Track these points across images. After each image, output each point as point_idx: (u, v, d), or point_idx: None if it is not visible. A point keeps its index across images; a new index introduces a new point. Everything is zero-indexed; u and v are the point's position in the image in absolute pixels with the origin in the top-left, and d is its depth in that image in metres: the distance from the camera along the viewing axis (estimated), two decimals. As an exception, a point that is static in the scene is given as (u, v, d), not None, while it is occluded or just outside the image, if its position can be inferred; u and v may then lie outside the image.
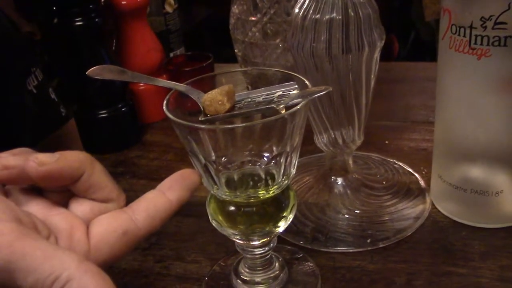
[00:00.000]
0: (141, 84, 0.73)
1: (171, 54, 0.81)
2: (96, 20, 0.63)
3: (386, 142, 0.64)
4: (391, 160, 0.59)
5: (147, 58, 0.72)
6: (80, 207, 0.34)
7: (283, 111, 0.35)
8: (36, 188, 0.34)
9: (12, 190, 0.34)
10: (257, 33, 0.68)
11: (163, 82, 0.39)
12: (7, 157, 0.33)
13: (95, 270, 0.27)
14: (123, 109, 0.68)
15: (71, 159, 0.33)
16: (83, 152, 0.34)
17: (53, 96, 0.79)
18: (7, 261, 0.27)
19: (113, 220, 0.33)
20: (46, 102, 0.78)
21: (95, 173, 0.34)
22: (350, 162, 0.53)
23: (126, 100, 0.69)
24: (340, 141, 0.50)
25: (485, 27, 0.40)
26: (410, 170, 0.57)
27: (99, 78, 0.40)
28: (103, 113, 0.67)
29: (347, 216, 0.51)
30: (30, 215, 0.31)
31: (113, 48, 0.73)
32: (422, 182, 0.55)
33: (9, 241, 0.27)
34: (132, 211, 0.34)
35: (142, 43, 0.72)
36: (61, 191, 0.34)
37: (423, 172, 0.57)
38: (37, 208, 0.33)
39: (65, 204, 0.34)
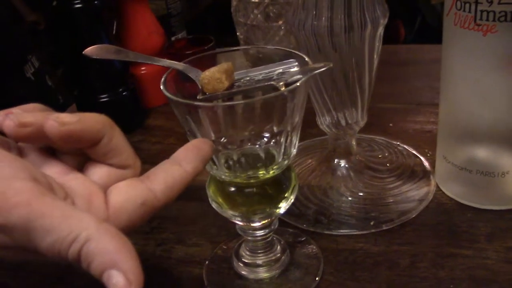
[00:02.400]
0: (143, 68, 0.72)
1: (173, 38, 0.81)
2: (96, 2, 0.62)
3: (391, 124, 0.63)
4: (395, 143, 0.58)
5: (148, 41, 0.72)
6: (97, 172, 0.32)
7: (283, 88, 0.34)
8: (50, 150, 0.32)
9: (26, 150, 0.32)
10: (259, 15, 0.66)
11: (161, 61, 0.38)
12: (22, 113, 0.30)
13: (114, 232, 0.26)
14: (124, 93, 0.67)
15: (93, 120, 0.31)
16: (103, 114, 0.32)
17: (50, 83, 0.78)
18: (25, 220, 0.26)
19: (131, 189, 0.31)
20: (43, 89, 0.77)
21: (115, 137, 0.32)
22: (354, 144, 0.52)
23: (127, 84, 0.68)
24: (343, 122, 0.49)
25: (491, 2, 0.38)
26: (415, 152, 0.56)
27: (96, 57, 0.39)
28: (103, 97, 0.66)
29: (350, 198, 0.50)
30: (46, 176, 0.30)
31: (114, 31, 0.72)
32: (426, 164, 0.54)
33: (28, 200, 0.26)
34: (150, 181, 0.32)
35: (143, 27, 0.71)
36: (76, 154, 0.32)
37: (428, 154, 0.56)
38: (53, 171, 0.31)
39: (80, 168, 0.32)
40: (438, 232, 0.46)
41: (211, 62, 0.39)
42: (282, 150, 0.36)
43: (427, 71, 0.76)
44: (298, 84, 0.33)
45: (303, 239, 0.46)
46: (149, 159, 0.63)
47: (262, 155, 0.36)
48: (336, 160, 0.53)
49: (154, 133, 0.68)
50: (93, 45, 0.64)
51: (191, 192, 0.55)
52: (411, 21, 1.88)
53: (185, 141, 0.65)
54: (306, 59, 0.36)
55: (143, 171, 0.59)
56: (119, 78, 0.67)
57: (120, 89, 0.67)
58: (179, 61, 0.39)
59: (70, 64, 0.66)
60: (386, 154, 0.56)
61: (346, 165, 0.52)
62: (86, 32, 0.63)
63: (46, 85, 0.73)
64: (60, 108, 0.73)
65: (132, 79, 0.70)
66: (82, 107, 0.68)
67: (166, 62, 0.38)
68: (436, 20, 1.92)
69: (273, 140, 0.36)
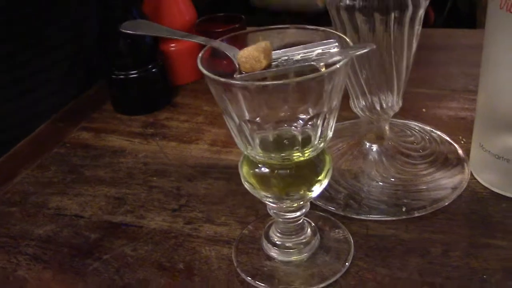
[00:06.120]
0: (172, 45, 0.71)
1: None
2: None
3: (424, 110, 0.62)
4: (429, 128, 0.57)
5: (178, 18, 0.71)
6: None
7: (323, 69, 0.33)
8: None
9: None
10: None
11: (198, 38, 0.37)
12: None
13: None
14: (153, 70, 0.67)
15: None
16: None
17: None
18: None
19: None
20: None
21: None
22: (387, 128, 0.51)
23: (156, 60, 0.68)
24: (377, 106, 0.48)
25: (542, -15, 0.37)
26: (448, 139, 0.55)
27: (132, 32, 0.39)
28: (133, 74, 0.66)
29: (381, 183, 0.49)
30: None
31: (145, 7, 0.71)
32: (460, 152, 0.53)
33: None
34: None
35: (174, 3, 0.71)
36: None
37: (462, 142, 0.54)
38: None
39: None
40: (471, 222, 0.45)
41: (248, 40, 0.38)
42: (319, 133, 0.36)
43: (462, 57, 0.74)
44: (338, 66, 0.32)
45: (332, 222, 0.46)
46: (178, 137, 0.63)
47: (298, 137, 0.36)
48: (367, 144, 0.52)
49: (182, 111, 0.68)
50: (123, 20, 0.64)
51: (219, 171, 0.55)
52: (441, 4, 1.84)
53: (213, 119, 0.65)
54: (347, 40, 0.35)
55: (171, 149, 0.60)
56: (149, 54, 0.67)
57: (150, 66, 0.66)
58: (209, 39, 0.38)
59: (99, 39, 0.66)
60: (419, 140, 0.55)
61: (378, 150, 0.52)
62: (117, 7, 0.63)
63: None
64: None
65: (161, 55, 0.70)
66: (111, 83, 0.68)
67: (203, 39, 0.37)
68: (467, 3, 1.88)
69: (310, 123, 0.35)
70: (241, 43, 0.38)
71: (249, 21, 0.73)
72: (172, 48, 0.71)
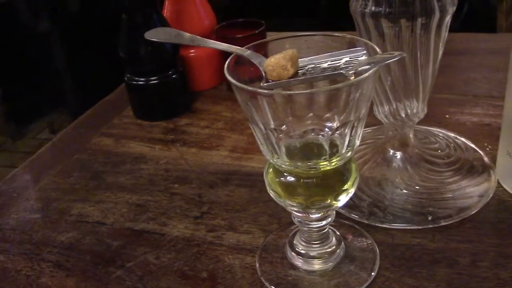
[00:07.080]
0: (192, 51, 0.71)
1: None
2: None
3: (447, 116, 0.61)
4: (453, 135, 0.56)
5: (198, 23, 0.71)
6: None
7: (352, 78, 0.33)
8: None
9: None
10: None
11: (223, 45, 0.37)
12: None
13: None
14: (173, 76, 0.67)
15: None
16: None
17: None
18: None
19: None
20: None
21: None
22: (411, 135, 0.50)
23: (176, 66, 0.68)
24: (402, 113, 0.47)
25: None
26: (473, 146, 0.54)
27: (156, 40, 0.38)
28: (153, 80, 0.66)
29: (405, 191, 0.49)
30: None
31: (165, 14, 0.71)
32: (486, 159, 0.52)
33: None
34: None
35: (193, 9, 0.71)
36: None
37: (487, 149, 0.53)
38: None
39: None
40: (499, 231, 0.44)
41: (274, 47, 0.38)
42: (346, 142, 0.35)
43: (483, 62, 0.73)
44: (366, 74, 0.32)
45: (357, 231, 0.45)
46: (198, 144, 0.63)
47: (325, 145, 0.35)
48: (391, 151, 0.51)
49: (202, 117, 0.68)
50: (144, 26, 0.64)
51: (240, 178, 0.55)
52: (458, 7, 1.82)
53: (233, 125, 0.65)
54: (375, 47, 0.34)
55: (191, 155, 0.60)
56: (169, 60, 0.67)
57: (170, 72, 0.66)
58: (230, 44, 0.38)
59: (121, 45, 0.66)
60: (444, 147, 0.54)
61: (402, 157, 0.51)
62: (139, 14, 0.63)
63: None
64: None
65: (181, 61, 0.70)
66: (132, 89, 0.68)
67: (230, 47, 0.37)
68: (484, 8, 1.86)
69: (338, 131, 0.35)
70: (266, 50, 0.38)
71: (267, 26, 0.73)
72: (192, 54, 0.71)
